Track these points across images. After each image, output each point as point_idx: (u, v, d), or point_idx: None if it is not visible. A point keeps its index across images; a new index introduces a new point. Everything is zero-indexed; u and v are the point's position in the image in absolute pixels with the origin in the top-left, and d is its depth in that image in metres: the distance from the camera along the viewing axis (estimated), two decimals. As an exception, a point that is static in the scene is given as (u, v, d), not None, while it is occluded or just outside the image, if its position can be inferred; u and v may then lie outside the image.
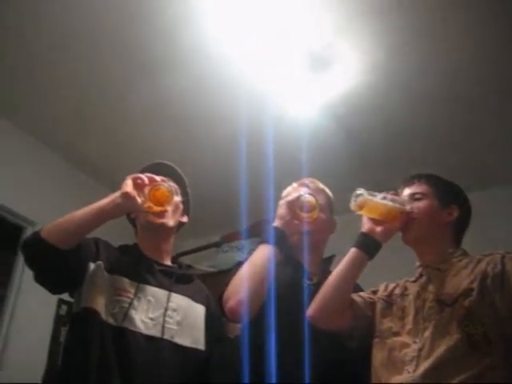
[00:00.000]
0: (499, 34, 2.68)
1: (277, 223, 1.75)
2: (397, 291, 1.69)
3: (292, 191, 1.90)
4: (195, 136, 3.61)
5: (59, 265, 1.60)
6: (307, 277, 1.81)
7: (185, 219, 1.99)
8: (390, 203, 1.66)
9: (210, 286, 2.01)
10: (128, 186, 1.61)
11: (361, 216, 1.71)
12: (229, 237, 4.17)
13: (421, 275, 1.67)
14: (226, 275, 1.77)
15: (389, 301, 1.68)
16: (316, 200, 1.77)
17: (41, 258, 1.60)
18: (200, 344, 1.81)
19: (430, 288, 1.60)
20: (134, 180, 1.64)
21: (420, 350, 1.48)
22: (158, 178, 1.71)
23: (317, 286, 1.72)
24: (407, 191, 1.75)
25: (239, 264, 1.73)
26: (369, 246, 1.66)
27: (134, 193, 1.61)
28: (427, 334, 1.50)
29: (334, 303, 1.64)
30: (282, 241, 1.72)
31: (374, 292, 1.75)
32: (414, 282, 1.68)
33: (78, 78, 3.18)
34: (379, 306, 1.69)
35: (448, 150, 3.55)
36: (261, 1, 2.56)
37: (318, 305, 1.64)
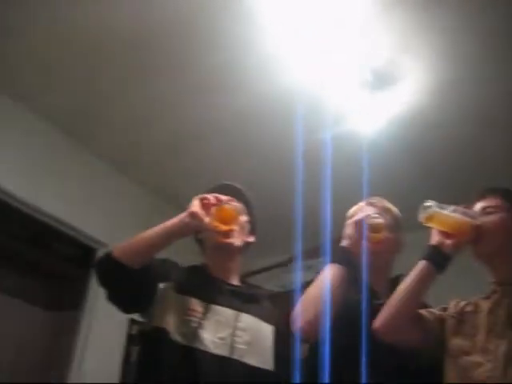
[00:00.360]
0: None
1: (344, 243, 1.75)
2: (468, 308, 1.65)
3: (358, 210, 1.88)
4: (264, 162, 3.64)
5: (131, 284, 1.65)
6: (375, 297, 1.78)
7: (252, 239, 2.00)
8: (460, 216, 1.62)
9: (279, 306, 2.00)
10: (195, 205, 1.65)
11: (426, 234, 1.68)
12: (296, 257, 4.15)
13: (494, 292, 1.62)
14: (294, 295, 1.77)
15: (460, 318, 1.63)
16: (384, 220, 1.75)
17: (113, 277, 1.66)
18: (268, 364, 1.80)
19: (504, 304, 1.55)
20: (201, 200, 1.68)
21: (494, 369, 1.43)
22: (224, 197, 1.73)
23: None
24: (479, 205, 1.70)
25: (307, 284, 1.72)
26: (438, 258, 1.62)
27: (201, 212, 1.64)
28: (500, 352, 1.45)
29: (401, 316, 1.60)
30: (349, 261, 1.72)
31: (444, 309, 1.71)
32: (487, 298, 1.63)
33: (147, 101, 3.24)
34: (449, 323, 1.64)
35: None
36: (322, 15, 2.56)
37: (383, 317, 1.61)
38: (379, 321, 1.61)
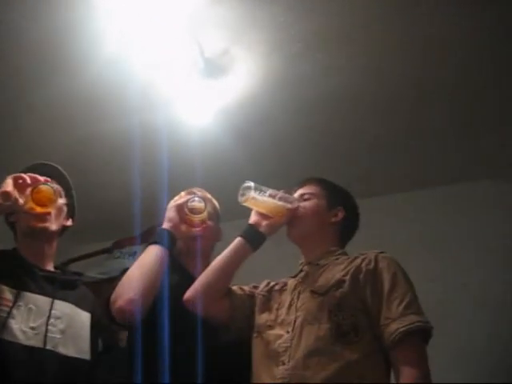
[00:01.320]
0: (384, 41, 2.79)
1: (165, 225, 1.77)
2: (277, 287, 1.75)
3: (179, 199, 1.91)
4: (88, 138, 3.48)
5: None
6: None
7: (69, 223, 1.91)
8: (276, 200, 1.73)
9: (100, 294, 1.93)
10: (8, 185, 1.51)
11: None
12: (121, 242, 4.07)
13: (301, 271, 1.74)
14: (115, 282, 1.72)
15: (267, 296, 1.73)
16: (204, 203, 1.79)
17: None
18: (85, 354, 1.74)
19: (307, 281, 1.66)
20: (15, 179, 1.54)
21: (292, 339, 1.52)
22: (41, 178, 1.62)
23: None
24: (299, 192, 1.84)
25: (126, 270, 1.69)
26: (253, 237, 1.72)
27: (14, 193, 1.50)
28: (298, 322, 1.54)
29: (211, 288, 1.67)
30: (170, 242, 1.73)
31: (256, 287, 1.80)
32: (294, 277, 1.74)
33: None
34: (258, 301, 1.73)
35: (348, 158, 3.66)
36: (156, 2, 2.50)
37: (194, 288, 1.67)
38: (190, 291, 1.67)
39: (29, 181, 1.56)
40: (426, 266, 3.26)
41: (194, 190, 1.98)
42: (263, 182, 1.77)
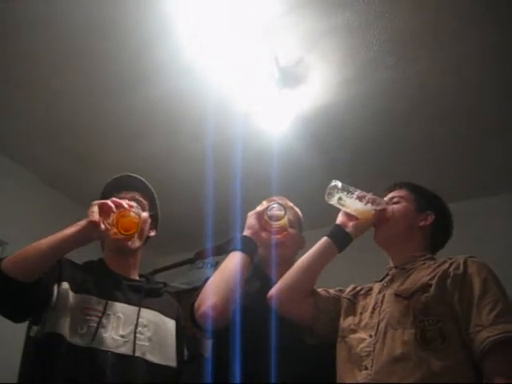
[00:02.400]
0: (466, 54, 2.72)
1: (246, 232, 1.77)
2: (362, 291, 1.72)
3: (260, 207, 1.91)
4: (165, 151, 3.57)
5: (21, 298, 1.53)
6: None
7: (153, 233, 1.96)
8: (363, 202, 1.71)
9: (185, 304, 1.97)
10: (94, 213, 1.54)
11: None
12: (203, 253, 4.14)
13: (387, 275, 1.71)
14: (198, 291, 1.75)
15: (353, 300, 1.70)
16: (284, 210, 1.79)
17: (1, 292, 1.51)
18: (171, 361, 1.78)
19: (392, 285, 1.62)
20: (101, 206, 1.58)
21: (375, 343, 1.49)
22: (124, 203, 1.64)
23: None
24: (388, 196, 1.81)
25: (207, 279, 1.71)
26: (340, 237, 1.70)
27: (100, 221, 1.54)
28: (381, 326, 1.51)
29: (297, 286, 1.66)
30: (251, 248, 1.73)
31: (341, 291, 1.77)
32: (380, 281, 1.71)
33: (49, 89, 3.11)
34: (344, 305, 1.70)
35: (421, 165, 3.59)
36: (230, 14, 2.55)
37: (280, 285, 1.67)
38: (274, 289, 1.66)
39: (114, 208, 1.59)
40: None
41: (275, 198, 1.96)
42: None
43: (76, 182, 3.87)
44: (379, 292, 1.64)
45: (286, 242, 1.84)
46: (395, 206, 1.74)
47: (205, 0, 2.46)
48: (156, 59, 2.84)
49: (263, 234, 1.78)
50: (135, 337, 1.69)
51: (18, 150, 3.63)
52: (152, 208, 1.92)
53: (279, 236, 1.81)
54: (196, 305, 1.64)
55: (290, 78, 2.89)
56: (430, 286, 1.50)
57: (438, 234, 1.77)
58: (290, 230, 1.87)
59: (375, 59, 2.80)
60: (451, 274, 1.51)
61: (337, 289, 1.79)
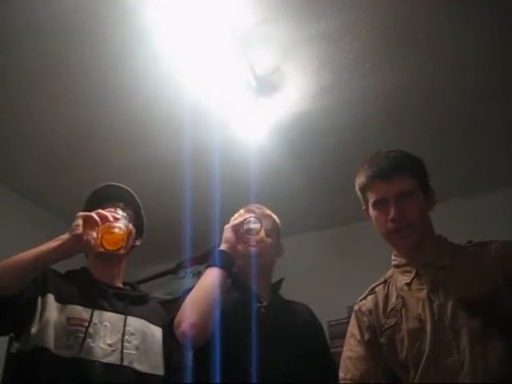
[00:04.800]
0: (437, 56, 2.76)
1: (222, 246, 1.77)
2: (390, 307, 1.59)
3: (238, 217, 1.93)
4: (143, 161, 3.55)
5: (2, 311, 1.51)
6: (256, 300, 1.82)
7: (138, 242, 1.96)
8: None
9: (167, 314, 1.97)
10: (79, 227, 1.52)
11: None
12: (184, 263, 4.13)
13: (417, 273, 1.56)
14: (179, 303, 1.75)
15: (394, 323, 1.55)
16: (260, 222, 1.79)
17: None
18: (158, 369, 1.78)
19: (443, 289, 1.47)
20: (85, 219, 1.55)
21: (462, 363, 1.38)
22: (110, 215, 1.61)
23: (267, 309, 1.73)
24: (391, 190, 1.57)
25: (188, 291, 1.72)
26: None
27: (85, 235, 1.52)
28: (465, 341, 1.39)
29: None
30: (228, 263, 1.74)
31: (360, 328, 1.65)
32: (409, 283, 1.56)
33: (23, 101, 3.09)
34: (384, 347, 1.57)
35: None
36: (206, 23, 2.55)
37: None
38: None
39: (99, 221, 1.56)
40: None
41: (253, 207, 1.98)
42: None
43: (52, 193, 3.83)
44: (429, 300, 1.48)
45: (264, 252, 1.85)
46: (407, 207, 1.54)
47: (181, 9, 2.46)
48: (134, 67, 2.82)
49: (240, 247, 1.79)
50: (123, 346, 1.68)
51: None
52: (137, 217, 1.92)
53: (256, 248, 1.81)
54: (176, 322, 1.64)
55: (267, 86, 2.91)
56: (496, 289, 1.40)
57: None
58: (267, 240, 1.88)
59: (350, 66, 2.84)
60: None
61: (350, 334, 1.67)
